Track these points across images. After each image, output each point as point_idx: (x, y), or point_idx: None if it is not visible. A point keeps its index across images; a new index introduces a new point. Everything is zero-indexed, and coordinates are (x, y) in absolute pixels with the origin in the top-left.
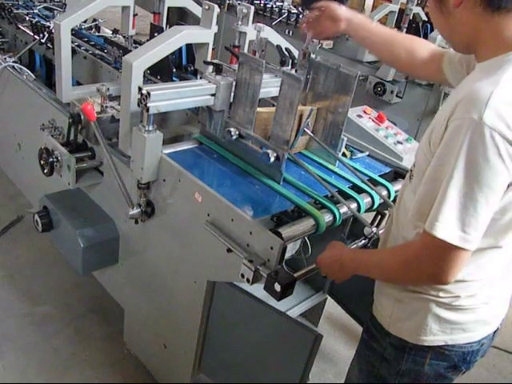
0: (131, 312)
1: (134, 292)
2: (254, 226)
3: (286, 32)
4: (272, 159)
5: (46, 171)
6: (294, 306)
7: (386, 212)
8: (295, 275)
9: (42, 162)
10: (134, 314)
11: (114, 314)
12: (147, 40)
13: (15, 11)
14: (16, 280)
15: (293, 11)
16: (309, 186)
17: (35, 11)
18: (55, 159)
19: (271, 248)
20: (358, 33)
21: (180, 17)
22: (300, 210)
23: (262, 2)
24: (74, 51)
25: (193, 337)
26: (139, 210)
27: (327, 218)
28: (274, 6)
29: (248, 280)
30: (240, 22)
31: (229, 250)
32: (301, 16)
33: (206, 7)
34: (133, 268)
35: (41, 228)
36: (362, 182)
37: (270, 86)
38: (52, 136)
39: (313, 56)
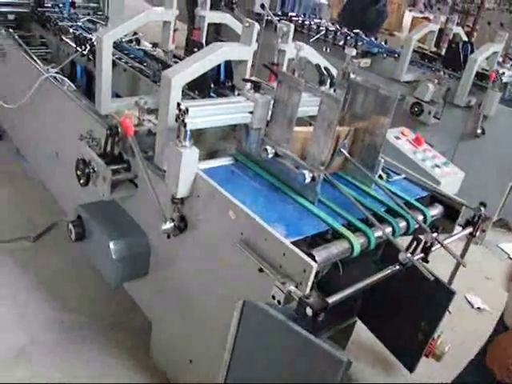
0: (159, 325)
1: (163, 305)
2: (287, 247)
3: (324, 49)
4: (308, 179)
5: (82, 181)
6: (322, 328)
7: (422, 238)
8: (328, 300)
9: (79, 173)
10: (161, 327)
11: (141, 326)
12: (184, 54)
13: (60, 23)
14: (47, 286)
15: (330, 28)
16: (343, 208)
17: (79, 24)
18: (91, 170)
19: (304, 271)
20: None
21: (218, 32)
22: (334, 232)
23: (301, 18)
24: (114, 63)
25: (219, 354)
26: (172, 224)
27: (361, 241)
28: (312, 23)
29: (279, 302)
30: (280, 40)
31: (261, 270)
32: (338, 33)
33: (247, 24)
34: (163, 281)
35: (74, 237)
36: (398, 205)
37: (307, 104)
38: (89, 147)
39: (352, 76)
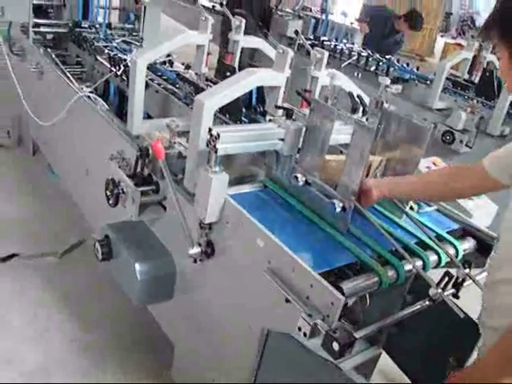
0: (181, 348)
1: (186, 329)
2: (315, 278)
3: (355, 74)
4: (338, 209)
5: (111, 202)
6: (347, 359)
7: (454, 273)
8: (356, 335)
9: (108, 193)
10: (183, 350)
11: (163, 349)
12: (215, 75)
13: (96, 44)
14: (71, 303)
15: (362, 54)
16: (373, 239)
17: (114, 44)
18: (121, 191)
19: (332, 304)
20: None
21: (250, 56)
22: (363, 263)
23: (333, 43)
24: (146, 84)
25: (241, 380)
26: (199, 249)
27: (390, 274)
28: (344, 47)
29: (305, 334)
30: (313, 67)
31: (287, 301)
32: (370, 59)
33: (281, 51)
34: (187, 305)
35: (101, 256)
36: (429, 238)
37: (339, 132)
38: (119, 167)
39: (386, 105)
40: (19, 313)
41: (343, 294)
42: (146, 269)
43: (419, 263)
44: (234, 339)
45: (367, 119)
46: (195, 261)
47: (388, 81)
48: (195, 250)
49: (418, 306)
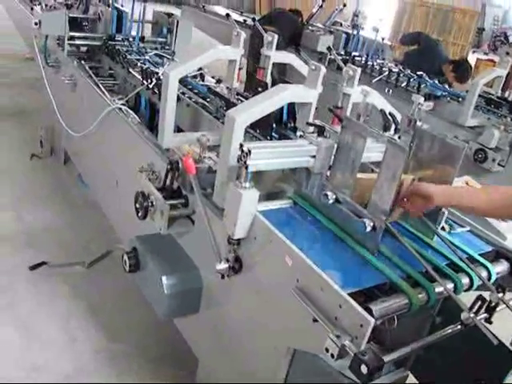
0: (205, 362)
1: (211, 344)
2: (344, 299)
3: (386, 90)
4: (368, 228)
5: (140, 214)
6: (374, 381)
7: (486, 297)
8: (384, 359)
9: (137, 206)
10: (207, 364)
11: (188, 362)
12: (244, 90)
13: (129, 57)
14: (97, 313)
15: (394, 70)
16: (403, 260)
17: (146, 57)
18: (150, 204)
19: (361, 325)
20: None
21: (281, 71)
22: (392, 284)
23: (363, 59)
24: (177, 98)
25: None
26: (227, 265)
27: (421, 296)
28: (375, 63)
29: (332, 355)
30: (345, 84)
31: (315, 320)
32: (401, 75)
33: (313, 67)
34: (212, 320)
35: (128, 268)
36: (461, 259)
37: (371, 150)
38: (149, 179)
39: (418, 124)
40: (47, 321)
41: (372, 315)
42: (172, 282)
43: (450, 286)
44: (258, 357)
45: (399, 137)
46: (222, 276)
47: (421, 99)
48: (223, 265)
49: (449, 330)
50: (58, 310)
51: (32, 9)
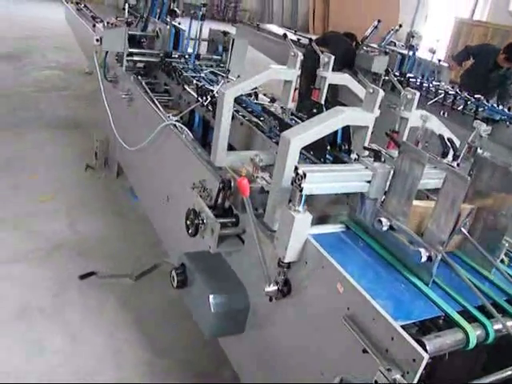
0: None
1: (254, 365)
2: (397, 331)
3: (441, 113)
4: (424, 258)
5: (190, 231)
6: None
7: None
8: None
9: (188, 222)
10: None
11: (229, 381)
12: (296, 109)
13: (184, 74)
14: (144, 326)
15: (450, 92)
16: (459, 293)
17: (201, 75)
18: (201, 221)
19: (413, 360)
20: None
21: (333, 92)
22: (447, 318)
23: (419, 80)
24: (231, 116)
25: None
26: (276, 288)
27: (478, 333)
28: (431, 85)
29: None
30: (403, 108)
31: (364, 351)
32: (458, 98)
33: (371, 90)
34: (257, 342)
35: (176, 284)
36: None
37: (428, 177)
38: (200, 197)
39: (479, 151)
40: (94, 330)
41: (426, 350)
42: (220, 301)
43: (510, 323)
44: (303, 382)
45: (458, 164)
46: (271, 299)
47: (484, 126)
48: (272, 287)
49: (509, 372)
50: (105, 320)
51: (94, 26)
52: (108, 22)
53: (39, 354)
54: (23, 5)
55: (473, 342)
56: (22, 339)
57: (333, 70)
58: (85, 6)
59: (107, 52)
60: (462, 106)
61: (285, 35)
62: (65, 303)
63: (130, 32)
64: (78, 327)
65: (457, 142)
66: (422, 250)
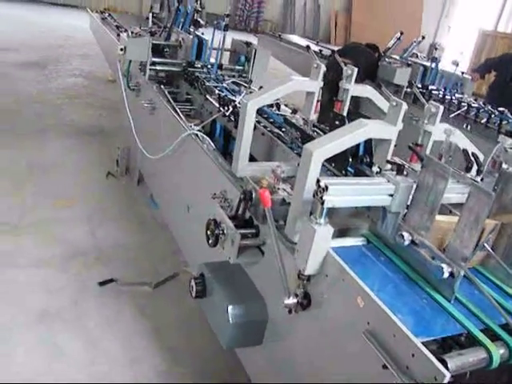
0: None
1: (271, 377)
2: (418, 348)
3: (464, 126)
4: (446, 274)
5: (210, 242)
6: None
7: None
8: None
9: (209, 233)
10: None
11: None
12: (317, 120)
13: (207, 83)
14: (161, 334)
15: (473, 105)
16: (481, 310)
17: (224, 85)
18: (221, 232)
19: (435, 378)
20: None
21: (355, 104)
22: (470, 336)
23: (441, 92)
24: (253, 126)
25: None
26: (295, 300)
27: (501, 352)
28: (454, 98)
29: None
30: (426, 121)
31: (384, 367)
32: (481, 110)
33: (394, 103)
34: (275, 354)
35: (194, 294)
36: None
37: (451, 191)
38: (221, 207)
39: (504, 166)
40: (112, 338)
41: (447, 368)
42: (238, 312)
43: None
44: None
45: (482, 179)
46: (290, 311)
47: (509, 141)
48: (291, 300)
49: None
50: (123, 328)
51: (118, 35)
52: (132, 32)
53: (58, 358)
54: (49, 14)
55: (496, 361)
56: (41, 343)
57: (355, 81)
58: (109, 15)
59: (131, 61)
60: (485, 119)
61: (308, 47)
62: (84, 309)
63: (153, 41)
64: (96, 333)
65: (480, 156)
66: (445, 266)
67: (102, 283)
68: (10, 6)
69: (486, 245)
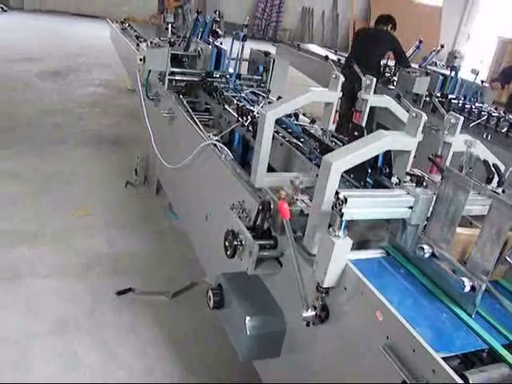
0: None
1: None
2: (438, 364)
3: (484, 135)
4: (467, 288)
5: (228, 253)
6: None
7: None
8: None
9: (227, 244)
10: None
11: None
12: (336, 129)
13: (225, 93)
14: (178, 344)
15: (493, 114)
16: (504, 325)
17: (242, 95)
18: (239, 243)
19: None
20: None
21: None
22: (492, 352)
23: (461, 101)
24: (272, 136)
25: None
26: (313, 313)
27: None
28: (473, 107)
29: None
30: (446, 132)
31: (404, 383)
32: (502, 120)
33: (414, 114)
34: (292, 367)
35: (212, 305)
36: None
37: (471, 203)
38: (239, 217)
39: None
40: (129, 347)
41: None
42: (256, 324)
43: None
44: None
45: (503, 191)
46: (308, 324)
47: None
48: (309, 313)
49: None
50: (141, 337)
51: (138, 45)
52: (151, 42)
53: (75, 367)
54: (70, 24)
55: None
56: (58, 352)
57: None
58: (129, 25)
59: (150, 71)
60: (506, 129)
61: (326, 57)
62: (101, 318)
63: (172, 52)
64: (112, 343)
65: (501, 167)
66: (466, 280)
67: (119, 292)
68: (38, 17)
69: (508, 258)
